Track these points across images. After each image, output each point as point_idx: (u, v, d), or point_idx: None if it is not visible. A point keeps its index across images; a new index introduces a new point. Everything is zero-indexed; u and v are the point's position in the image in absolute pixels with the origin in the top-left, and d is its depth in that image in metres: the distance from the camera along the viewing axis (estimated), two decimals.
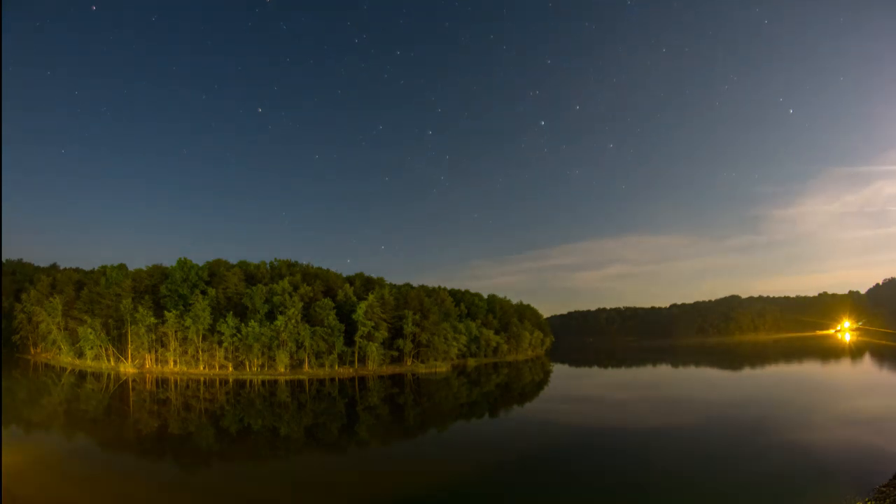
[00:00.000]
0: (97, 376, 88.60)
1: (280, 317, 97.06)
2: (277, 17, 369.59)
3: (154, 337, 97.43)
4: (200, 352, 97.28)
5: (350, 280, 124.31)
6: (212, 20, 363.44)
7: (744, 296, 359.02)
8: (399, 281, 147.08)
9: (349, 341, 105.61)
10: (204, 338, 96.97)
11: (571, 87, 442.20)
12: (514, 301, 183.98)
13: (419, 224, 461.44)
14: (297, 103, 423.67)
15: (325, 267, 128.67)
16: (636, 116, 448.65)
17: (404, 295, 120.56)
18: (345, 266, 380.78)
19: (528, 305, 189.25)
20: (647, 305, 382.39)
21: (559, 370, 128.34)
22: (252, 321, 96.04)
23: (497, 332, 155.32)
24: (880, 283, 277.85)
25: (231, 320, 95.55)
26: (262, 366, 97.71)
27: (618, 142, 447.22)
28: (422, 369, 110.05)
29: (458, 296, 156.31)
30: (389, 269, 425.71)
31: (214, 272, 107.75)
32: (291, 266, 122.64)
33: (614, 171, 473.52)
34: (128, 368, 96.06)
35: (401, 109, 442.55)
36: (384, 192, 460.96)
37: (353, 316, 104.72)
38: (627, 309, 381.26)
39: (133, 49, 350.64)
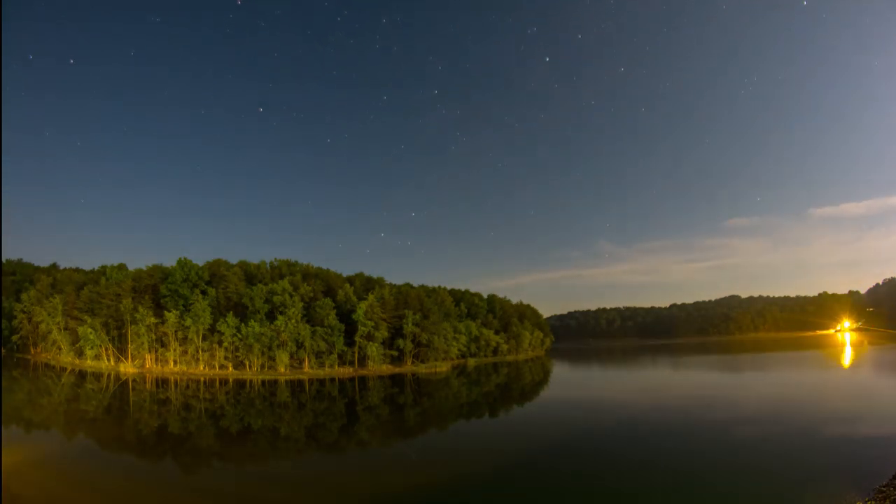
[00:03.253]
0: (97, 376, 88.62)
1: (280, 317, 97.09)
2: (252, 16, 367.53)
3: (154, 337, 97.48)
4: (200, 352, 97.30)
5: (350, 280, 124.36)
6: (192, 32, 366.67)
7: (744, 295, 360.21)
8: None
9: (349, 341, 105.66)
10: (204, 338, 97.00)
11: (569, 17, 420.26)
12: (514, 301, 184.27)
13: (442, 186, 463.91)
14: (296, 94, 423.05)
15: (334, 267, 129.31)
16: (642, 35, 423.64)
17: (404, 295, 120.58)
18: (364, 255, 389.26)
19: (528, 305, 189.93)
20: (647, 305, 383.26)
21: (559, 370, 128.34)
22: (252, 321, 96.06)
23: (497, 332, 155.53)
24: (880, 283, 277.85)
25: (231, 320, 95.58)
26: (263, 366, 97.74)
27: (628, 64, 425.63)
28: (422, 369, 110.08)
29: (457, 295, 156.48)
30: (419, 236, 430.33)
31: (214, 272, 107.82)
32: (291, 266, 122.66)
33: (631, 95, 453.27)
34: (128, 368, 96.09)
35: (401, 76, 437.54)
36: (401, 162, 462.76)
37: (353, 316, 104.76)
38: (627, 309, 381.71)
39: (132, 55, 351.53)
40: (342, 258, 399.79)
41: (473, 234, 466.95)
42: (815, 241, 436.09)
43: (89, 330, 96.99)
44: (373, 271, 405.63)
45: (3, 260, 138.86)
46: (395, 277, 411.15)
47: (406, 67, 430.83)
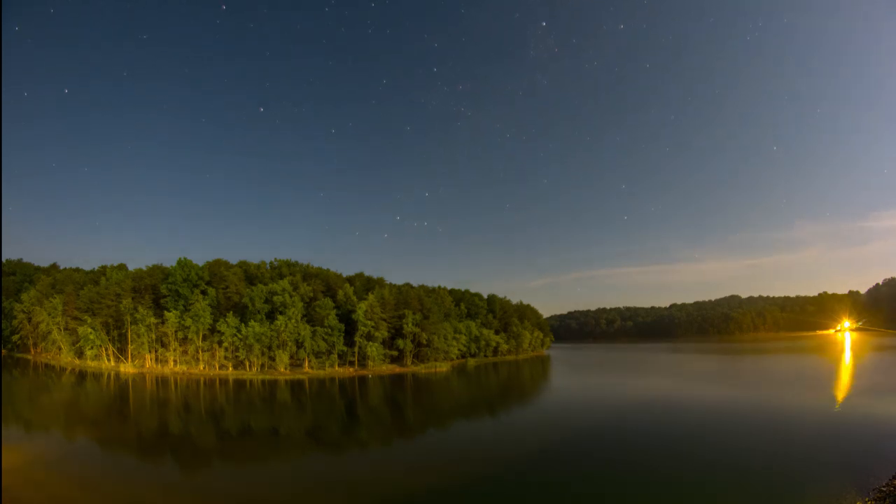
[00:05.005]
0: (97, 376, 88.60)
1: (280, 317, 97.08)
2: (240, 18, 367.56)
3: (154, 337, 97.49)
4: (200, 352, 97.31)
5: (350, 280, 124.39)
6: (181, 43, 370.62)
7: (744, 295, 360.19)
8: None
9: (349, 341, 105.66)
10: (204, 338, 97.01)
11: None
12: (514, 301, 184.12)
13: (453, 163, 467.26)
14: (295, 90, 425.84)
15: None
16: None
17: (404, 295, 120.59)
18: (382, 240, 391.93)
19: (528, 305, 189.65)
20: (647, 305, 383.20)
21: (559, 370, 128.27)
22: (252, 321, 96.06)
23: (497, 332, 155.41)
24: (880, 283, 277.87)
25: (231, 320, 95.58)
26: (263, 366, 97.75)
27: (627, 20, 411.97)
28: (422, 369, 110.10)
29: (457, 295, 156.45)
30: (435, 215, 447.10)
31: (214, 272, 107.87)
32: (291, 266, 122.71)
33: (633, 52, 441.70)
34: (128, 368, 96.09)
35: (398, 57, 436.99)
36: (409, 144, 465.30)
37: (354, 316, 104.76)
38: (627, 309, 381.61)
39: (125, 75, 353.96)
40: (360, 246, 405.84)
41: (489, 209, 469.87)
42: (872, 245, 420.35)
43: (89, 330, 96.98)
44: (393, 254, 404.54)
45: (3, 260, 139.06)
46: (416, 259, 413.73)
47: (402, 48, 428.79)
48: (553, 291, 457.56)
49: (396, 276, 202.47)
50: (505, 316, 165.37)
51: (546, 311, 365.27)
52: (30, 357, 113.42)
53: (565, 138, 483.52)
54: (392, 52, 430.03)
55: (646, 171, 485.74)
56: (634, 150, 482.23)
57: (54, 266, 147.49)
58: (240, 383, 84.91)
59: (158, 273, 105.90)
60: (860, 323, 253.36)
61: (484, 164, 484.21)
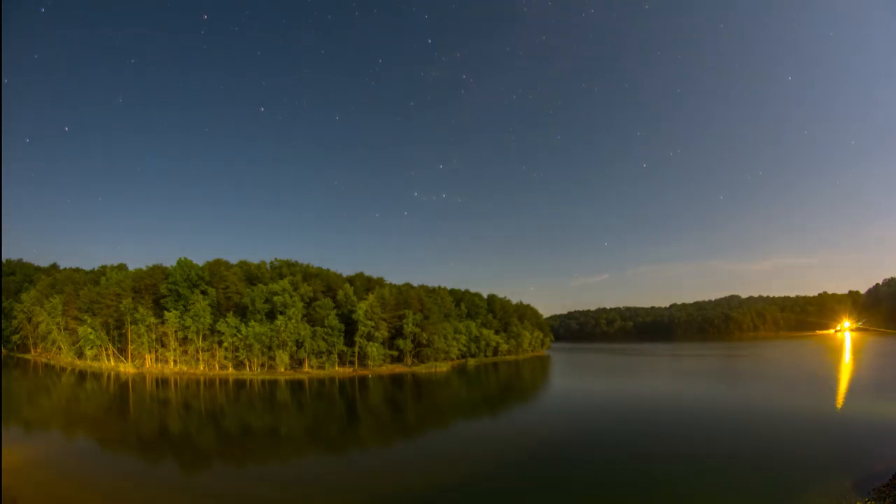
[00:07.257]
0: (97, 376, 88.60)
1: (280, 317, 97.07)
2: (223, 23, 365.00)
3: (154, 337, 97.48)
4: (200, 352, 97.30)
5: (350, 280, 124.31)
6: (171, 60, 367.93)
7: (744, 295, 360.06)
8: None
9: (349, 341, 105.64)
10: (204, 338, 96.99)
11: None
12: (514, 301, 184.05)
13: (462, 132, 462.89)
14: (293, 85, 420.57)
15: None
16: None
17: (404, 295, 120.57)
18: (402, 218, 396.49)
19: (528, 305, 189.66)
20: (647, 305, 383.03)
21: (558, 370, 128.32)
22: (252, 321, 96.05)
23: (497, 332, 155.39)
24: (880, 283, 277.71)
25: (231, 320, 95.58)
26: (263, 366, 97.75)
27: None
28: (422, 369, 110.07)
29: (457, 295, 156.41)
30: (452, 187, 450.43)
31: (214, 272, 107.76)
32: (291, 266, 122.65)
33: None
34: (128, 368, 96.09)
35: (390, 36, 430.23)
36: (415, 120, 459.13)
37: (354, 316, 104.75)
38: (627, 309, 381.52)
39: (120, 101, 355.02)
40: (380, 227, 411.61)
41: (503, 175, 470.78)
42: None
43: (89, 330, 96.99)
44: (414, 232, 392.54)
45: (3, 260, 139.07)
46: (440, 232, 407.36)
47: (392, 26, 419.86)
48: (554, 292, 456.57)
49: (397, 275, 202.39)
50: (505, 316, 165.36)
51: (546, 311, 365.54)
52: (30, 357, 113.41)
53: (572, 92, 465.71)
54: (382, 31, 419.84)
55: (657, 117, 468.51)
56: (642, 97, 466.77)
57: (54, 266, 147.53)
58: (240, 383, 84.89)
59: (158, 273, 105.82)
60: (860, 323, 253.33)
61: (493, 129, 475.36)
